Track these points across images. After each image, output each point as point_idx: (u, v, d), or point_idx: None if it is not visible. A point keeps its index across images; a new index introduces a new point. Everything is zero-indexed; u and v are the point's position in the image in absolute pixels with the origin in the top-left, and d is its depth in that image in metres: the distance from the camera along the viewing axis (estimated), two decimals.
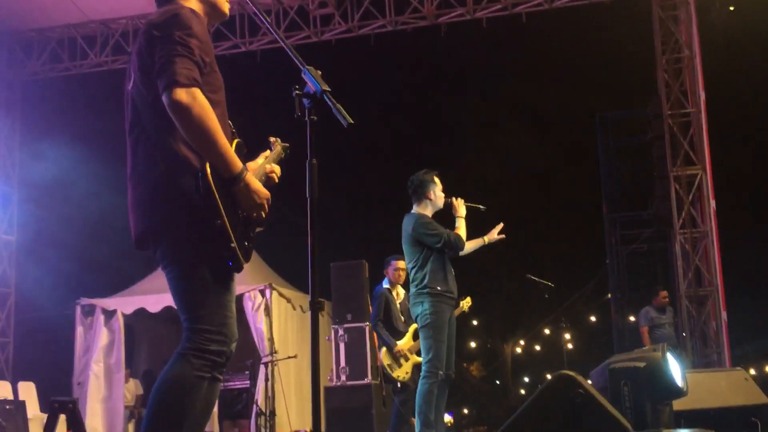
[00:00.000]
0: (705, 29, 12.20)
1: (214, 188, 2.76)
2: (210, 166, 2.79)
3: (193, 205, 2.80)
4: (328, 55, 12.73)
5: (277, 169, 3.31)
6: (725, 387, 4.73)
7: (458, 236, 6.17)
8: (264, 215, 2.97)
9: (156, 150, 2.91)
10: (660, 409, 3.63)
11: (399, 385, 8.85)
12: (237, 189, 2.86)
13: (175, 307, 2.96)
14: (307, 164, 2.73)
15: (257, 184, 2.94)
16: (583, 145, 21.70)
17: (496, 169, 23.81)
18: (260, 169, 3.21)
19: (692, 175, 11.93)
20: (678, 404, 3.98)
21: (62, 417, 2.93)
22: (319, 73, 2.82)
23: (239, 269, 2.95)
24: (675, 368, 3.70)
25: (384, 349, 8.87)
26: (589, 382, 3.96)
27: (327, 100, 2.73)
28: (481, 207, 6.41)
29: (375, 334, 9.57)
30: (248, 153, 3.21)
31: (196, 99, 2.78)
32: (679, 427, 4.07)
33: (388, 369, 8.78)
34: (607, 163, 17.20)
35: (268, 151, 3.35)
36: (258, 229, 3.07)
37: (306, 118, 2.78)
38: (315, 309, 2.65)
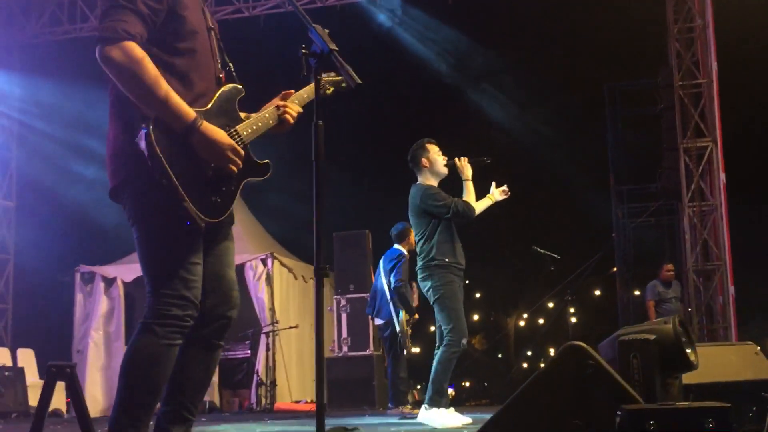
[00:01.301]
0: None
1: (155, 146, 2.65)
2: (156, 122, 2.69)
3: (145, 163, 2.70)
4: (332, 21, 12.62)
5: (296, 107, 3.13)
6: (735, 361, 4.72)
7: (466, 204, 6.05)
8: (235, 168, 2.83)
9: (118, 102, 2.85)
10: (669, 382, 3.61)
11: (405, 352, 8.78)
12: (192, 141, 2.75)
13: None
14: (313, 126, 2.67)
15: (217, 134, 2.79)
16: (591, 116, 21.56)
17: (502, 139, 23.71)
18: (261, 116, 3.04)
19: (702, 147, 11.86)
20: (687, 377, 3.96)
21: (60, 384, 2.90)
22: (327, 32, 2.76)
23: (200, 228, 2.83)
24: (686, 341, 3.68)
25: (404, 313, 8.70)
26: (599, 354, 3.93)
27: (334, 59, 2.67)
28: (486, 159, 6.26)
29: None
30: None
31: (125, 53, 2.68)
32: (689, 400, 4.05)
33: (406, 335, 8.65)
34: (614, 134, 17.11)
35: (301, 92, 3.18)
36: (255, 180, 2.95)
37: (313, 78, 2.72)
38: (320, 275, 2.61)
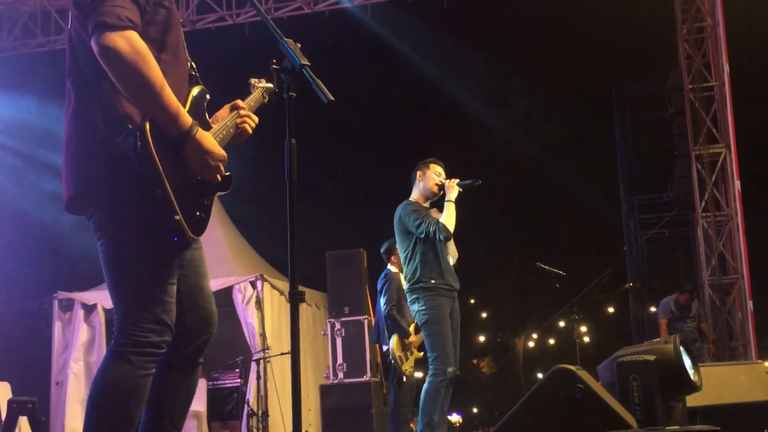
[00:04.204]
0: None
1: (153, 151, 2.56)
2: (151, 123, 2.60)
3: (131, 169, 2.60)
4: (322, 27, 12.71)
5: (254, 117, 3.11)
6: (745, 381, 4.73)
7: (441, 226, 5.97)
8: (220, 178, 2.80)
9: (93, 100, 2.72)
10: (672, 405, 3.64)
11: (404, 379, 8.74)
12: (186, 149, 2.68)
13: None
14: (286, 144, 2.71)
15: (211, 143, 2.75)
16: (598, 122, 21.62)
17: (504, 147, 23.75)
18: (225, 124, 2.99)
19: (715, 153, 11.90)
20: (692, 399, 3.99)
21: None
22: (299, 46, 2.80)
23: (186, 245, 2.80)
24: (688, 362, 3.71)
25: (395, 337, 8.66)
26: (598, 377, 3.96)
27: (306, 74, 2.71)
28: (476, 182, 6.28)
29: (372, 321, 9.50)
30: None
31: (130, 44, 2.58)
32: (694, 424, 4.08)
33: (399, 360, 8.61)
34: (623, 141, 17.18)
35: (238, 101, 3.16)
36: (220, 193, 2.91)
37: (284, 95, 2.76)
38: (295, 300, 2.65)
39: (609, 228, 21.73)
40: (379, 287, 8.83)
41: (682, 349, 3.66)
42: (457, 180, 6.24)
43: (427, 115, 24.52)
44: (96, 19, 2.58)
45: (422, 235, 6.05)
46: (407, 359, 8.68)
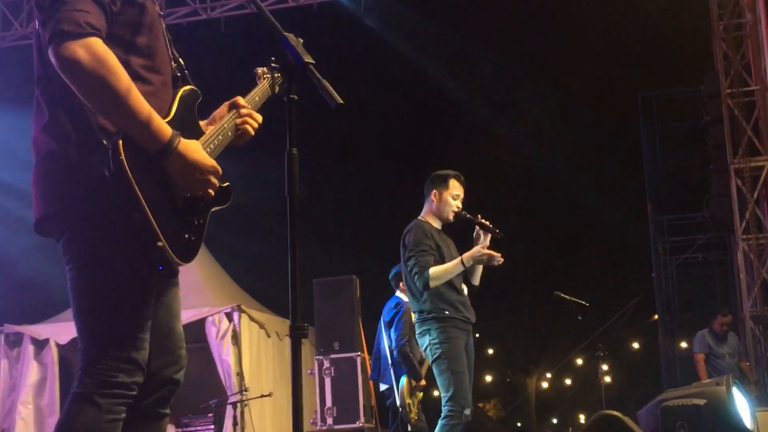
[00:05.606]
0: None
1: (128, 171, 2.54)
2: (125, 139, 2.58)
3: (105, 190, 2.58)
4: (308, 23, 12.73)
5: (257, 116, 3.12)
6: None
7: (425, 277, 5.86)
8: (212, 192, 2.79)
9: (63, 111, 2.72)
10: None
11: (410, 428, 8.65)
12: (168, 164, 2.67)
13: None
14: (286, 155, 2.68)
15: (197, 155, 2.73)
16: (622, 133, 21.69)
17: (516, 162, 23.81)
18: (221, 127, 2.99)
19: (757, 167, 11.92)
20: None
21: None
22: (301, 41, 2.78)
23: (172, 274, 2.81)
24: (743, 406, 3.68)
25: (406, 380, 8.56)
26: (638, 423, 3.92)
27: (310, 74, 2.69)
28: (498, 233, 6.19)
29: (368, 360, 9.43)
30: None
31: (91, 53, 2.56)
32: None
33: (408, 408, 8.51)
34: (652, 154, 17.24)
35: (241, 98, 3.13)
36: (216, 208, 2.90)
37: (284, 98, 2.73)
38: (297, 336, 2.61)
39: (634, 252, 21.80)
40: (387, 318, 8.78)
41: (736, 391, 3.63)
42: (482, 224, 6.11)
43: (428, 123, 24.60)
44: (53, 28, 2.58)
45: (408, 269, 6.04)
46: (414, 406, 8.61)
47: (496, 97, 23.18)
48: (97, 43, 2.59)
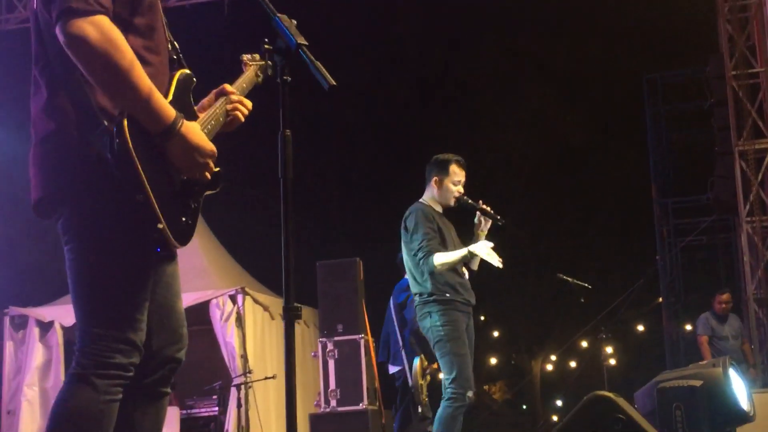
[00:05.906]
0: None
1: (132, 150, 2.55)
2: (130, 119, 2.59)
3: (107, 171, 2.59)
4: (305, 4, 12.68)
5: (247, 102, 3.14)
6: None
7: (431, 261, 5.91)
8: (209, 175, 2.81)
9: (63, 92, 2.73)
10: None
11: (420, 409, 8.64)
12: (170, 146, 2.69)
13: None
14: (279, 137, 2.69)
15: (198, 137, 2.76)
16: (627, 115, 21.62)
17: (519, 144, 23.74)
18: (213, 112, 3.00)
19: (762, 150, 11.90)
20: (744, 431, 3.97)
21: None
22: (294, 23, 2.78)
23: (170, 257, 2.82)
24: (739, 387, 3.68)
25: (419, 361, 8.54)
26: (635, 405, 3.93)
27: (303, 56, 2.69)
28: (500, 220, 6.23)
29: (372, 345, 9.45)
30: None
31: (100, 31, 2.57)
32: None
33: (420, 389, 8.49)
34: (656, 136, 17.19)
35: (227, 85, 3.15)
36: (208, 192, 2.91)
37: (278, 79, 2.74)
38: (290, 316, 2.62)
39: (639, 235, 21.76)
40: (399, 299, 8.80)
41: (732, 372, 3.63)
42: (484, 210, 6.14)
43: (431, 104, 24.54)
44: (61, 5, 2.57)
45: (412, 253, 6.05)
46: (425, 388, 8.60)
47: (500, 78, 23.09)
48: (105, 21, 2.60)
